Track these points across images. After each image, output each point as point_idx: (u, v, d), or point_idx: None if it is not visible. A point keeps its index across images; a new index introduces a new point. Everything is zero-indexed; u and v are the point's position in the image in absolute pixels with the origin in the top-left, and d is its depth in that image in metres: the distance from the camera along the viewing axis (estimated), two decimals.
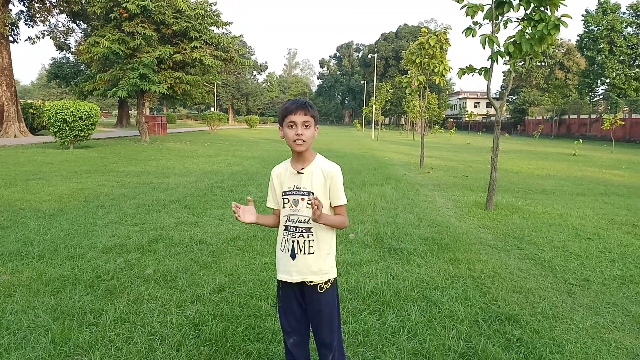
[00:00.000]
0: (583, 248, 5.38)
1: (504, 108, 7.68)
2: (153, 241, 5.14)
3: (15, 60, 24.32)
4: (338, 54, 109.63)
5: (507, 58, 7.42)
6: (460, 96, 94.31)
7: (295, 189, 2.21)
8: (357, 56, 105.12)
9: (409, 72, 16.07)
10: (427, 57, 13.31)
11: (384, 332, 3.13)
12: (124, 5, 19.69)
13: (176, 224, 5.99)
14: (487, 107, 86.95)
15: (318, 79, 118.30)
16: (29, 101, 30.94)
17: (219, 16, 24.52)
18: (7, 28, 23.77)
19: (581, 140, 27.75)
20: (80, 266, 4.25)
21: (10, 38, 24.84)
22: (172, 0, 21.74)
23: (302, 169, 2.21)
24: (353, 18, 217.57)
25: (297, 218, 2.20)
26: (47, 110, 16.95)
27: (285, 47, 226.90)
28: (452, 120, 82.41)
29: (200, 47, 22.66)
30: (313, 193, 2.18)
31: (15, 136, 23.88)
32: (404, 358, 2.81)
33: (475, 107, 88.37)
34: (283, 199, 2.24)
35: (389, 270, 4.37)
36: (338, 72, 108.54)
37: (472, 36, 7.42)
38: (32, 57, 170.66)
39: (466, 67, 7.81)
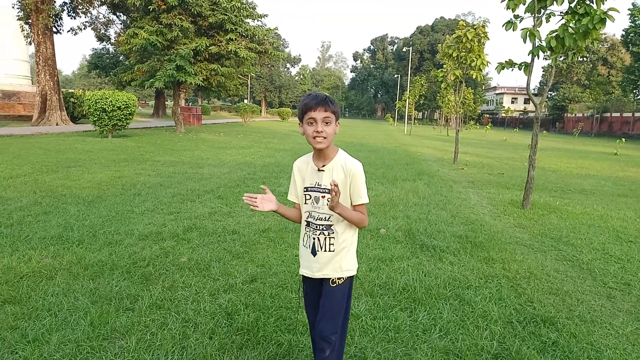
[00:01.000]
0: (624, 251, 5.19)
1: (543, 104, 7.42)
2: (187, 230, 5.24)
3: (58, 50, 25.37)
4: (372, 47, 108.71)
5: (549, 53, 7.21)
6: (497, 91, 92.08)
7: (316, 186, 2.18)
8: (392, 49, 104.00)
9: (444, 66, 15.80)
10: (464, 50, 13.04)
11: (415, 329, 3.10)
12: None
13: (210, 214, 6.09)
14: (524, 103, 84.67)
15: (351, 72, 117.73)
16: (70, 90, 31.94)
17: (255, 8, 24.69)
18: (51, 19, 24.54)
19: (624, 139, 26.66)
20: (117, 252, 4.37)
21: (54, 29, 25.65)
22: None
23: (323, 166, 2.16)
24: (388, 11, 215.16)
25: (318, 215, 2.18)
26: (87, 99, 17.46)
27: (319, 40, 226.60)
28: (487, 116, 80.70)
29: (235, 39, 22.85)
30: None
31: (57, 124, 24.72)
32: (435, 356, 2.78)
33: (512, 102, 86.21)
34: (305, 194, 2.22)
35: (420, 267, 4.32)
36: (372, 66, 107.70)
37: (513, 30, 7.23)
38: (74, 48, 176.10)
39: (505, 61, 7.62)
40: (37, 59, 24.82)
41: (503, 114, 70.85)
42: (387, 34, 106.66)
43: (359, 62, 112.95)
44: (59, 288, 3.51)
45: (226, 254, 4.49)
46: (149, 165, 10.62)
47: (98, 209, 6.03)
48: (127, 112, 17.71)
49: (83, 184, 7.76)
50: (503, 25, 7.33)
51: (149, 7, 20.99)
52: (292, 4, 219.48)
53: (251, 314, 3.19)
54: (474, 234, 5.59)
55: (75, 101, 27.87)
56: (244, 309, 3.27)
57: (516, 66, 7.58)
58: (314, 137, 2.08)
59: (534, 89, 72.29)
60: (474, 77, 13.39)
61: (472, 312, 3.40)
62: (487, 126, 37.06)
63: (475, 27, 13.07)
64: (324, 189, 2.15)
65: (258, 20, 25.31)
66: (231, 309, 3.27)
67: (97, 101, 16.95)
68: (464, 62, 13.21)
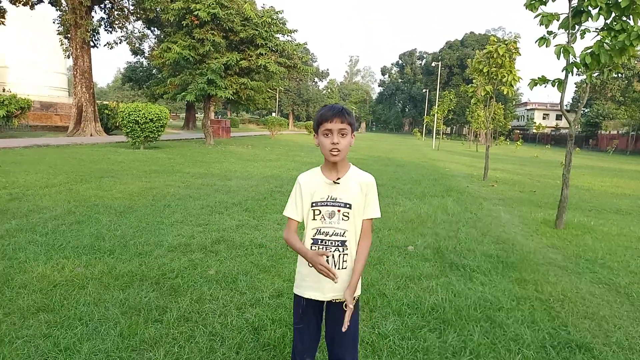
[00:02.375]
0: None
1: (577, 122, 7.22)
2: (215, 242, 5.28)
3: (94, 63, 26.17)
4: (400, 62, 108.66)
5: (583, 69, 7.05)
6: (528, 107, 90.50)
7: (329, 200, 2.09)
8: (420, 64, 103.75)
9: (474, 81, 15.65)
10: (495, 66, 12.89)
11: (444, 351, 3.03)
12: (195, 13, 20.52)
13: (237, 227, 6.13)
14: (556, 119, 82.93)
15: (379, 86, 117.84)
16: (104, 102, 32.93)
17: (285, 24, 25.00)
18: (89, 34, 25.45)
19: None
20: (147, 263, 4.44)
21: (91, 43, 26.56)
22: (240, 8, 22.42)
23: (338, 178, 2.10)
24: (417, 26, 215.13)
25: (333, 231, 2.08)
26: (121, 111, 17.95)
27: (347, 55, 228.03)
28: (518, 131, 79.29)
29: (265, 53, 23.19)
30: (351, 205, 2.08)
31: (91, 135, 25.45)
32: None
33: (544, 118, 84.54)
34: (313, 210, 2.11)
35: (450, 286, 4.23)
36: (399, 80, 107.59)
37: (546, 46, 7.11)
38: (109, 61, 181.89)
39: (538, 78, 7.48)
40: (75, 72, 25.71)
41: (534, 130, 69.46)
42: (415, 49, 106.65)
43: (386, 76, 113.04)
44: (91, 297, 3.58)
45: (253, 267, 4.50)
46: (179, 176, 10.80)
47: (129, 220, 6.15)
48: (159, 124, 18.12)
49: (115, 194, 7.94)
50: (536, 42, 7.22)
51: (182, 23, 21.54)
52: (322, 19, 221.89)
53: (277, 330, 3.17)
54: (506, 253, 5.45)
55: (109, 113, 28.68)
56: (270, 324, 3.26)
57: (549, 82, 7.44)
58: (330, 150, 2.03)
59: (566, 105, 70.62)
60: (504, 92, 13.20)
61: (504, 335, 3.30)
62: (518, 142, 36.38)
63: (506, 42, 12.93)
64: (339, 202, 2.08)
65: (288, 36, 25.66)
66: (258, 323, 3.27)
67: (131, 113, 17.40)
68: (494, 77, 13.05)
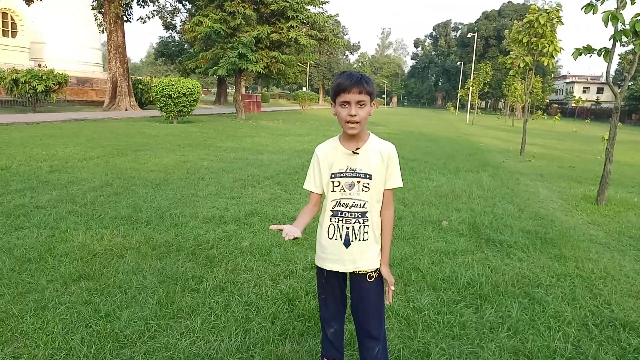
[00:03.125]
0: None
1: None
2: (249, 215, 5.31)
3: (128, 39, 26.52)
4: (434, 34, 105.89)
5: (632, 38, 6.66)
6: (567, 80, 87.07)
7: (349, 171, 2.01)
8: (455, 35, 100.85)
9: (511, 52, 15.08)
10: (535, 36, 12.36)
11: (481, 326, 2.97)
12: None
13: (270, 200, 6.15)
14: (597, 92, 79.61)
15: (411, 59, 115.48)
16: (138, 77, 33.41)
17: None
18: (122, 8, 25.66)
19: None
20: (183, 234, 4.50)
21: (125, 18, 26.81)
22: None
23: (358, 148, 2.01)
24: None
25: (353, 202, 2.01)
26: (154, 86, 18.19)
27: (379, 27, 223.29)
28: (556, 105, 76.59)
29: (296, 26, 22.92)
30: (371, 176, 2.00)
31: (126, 109, 25.94)
32: (503, 356, 2.64)
33: (584, 92, 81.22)
34: (332, 181, 2.03)
35: (486, 262, 4.14)
36: (433, 53, 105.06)
37: (593, 13, 6.74)
38: (142, 37, 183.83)
39: (583, 47, 7.11)
40: (109, 47, 26.09)
41: (573, 104, 66.87)
42: (450, 20, 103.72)
43: (419, 49, 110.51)
44: (129, 266, 3.66)
45: (286, 240, 4.50)
46: (212, 150, 10.90)
47: (165, 192, 6.25)
48: (192, 99, 18.29)
49: (150, 167, 8.08)
50: (582, 8, 6.85)
51: None
52: None
53: (312, 301, 3.17)
54: (544, 229, 5.29)
55: (143, 87, 29.11)
56: (304, 295, 3.27)
57: (595, 52, 7.07)
58: (347, 122, 1.94)
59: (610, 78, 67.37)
60: (545, 64, 12.68)
61: (543, 312, 3.21)
62: (556, 116, 35.06)
63: (548, 11, 12.34)
64: (359, 173, 2.01)
65: (319, 7, 25.25)
66: (292, 294, 3.28)
67: (164, 88, 17.60)
68: (534, 48, 12.53)
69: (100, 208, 5.28)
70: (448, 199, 6.74)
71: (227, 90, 53.61)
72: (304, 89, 64.20)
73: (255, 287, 3.39)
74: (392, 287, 2.09)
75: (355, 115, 1.92)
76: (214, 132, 15.73)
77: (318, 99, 63.09)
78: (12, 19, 45.20)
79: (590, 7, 6.74)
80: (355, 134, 1.99)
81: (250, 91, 65.20)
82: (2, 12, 43.91)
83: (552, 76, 76.35)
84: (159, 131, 14.94)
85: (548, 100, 68.54)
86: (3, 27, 45.08)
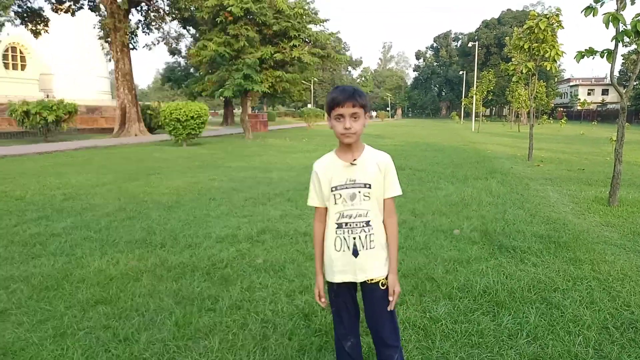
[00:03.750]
0: None
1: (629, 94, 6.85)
2: (261, 232, 5.35)
3: (135, 66, 27.09)
4: (435, 45, 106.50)
5: (634, 38, 6.67)
6: (571, 83, 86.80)
7: (348, 182, 2.07)
8: (456, 45, 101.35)
9: (513, 59, 15.12)
10: (536, 41, 12.40)
11: (499, 334, 2.95)
12: (228, 9, 20.74)
13: (281, 216, 6.18)
14: (602, 94, 79.22)
15: (414, 71, 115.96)
16: (146, 103, 33.87)
17: (317, 14, 24.92)
18: (128, 37, 26.16)
19: None
20: (197, 254, 4.54)
21: (130, 45, 27.31)
22: (272, 1, 22.48)
23: (355, 159, 2.08)
24: (451, 6, 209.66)
25: (357, 212, 2.07)
26: (163, 110, 18.44)
27: (380, 41, 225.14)
28: (561, 109, 76.30)
29: (299, 45, 23.21)
30: (370, 185, 2.06)
31: (135, 135, 26.25)
32: None
33: (588, 94, 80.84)
34: (334, 194, 2.08)
35: (500, 268, 4.13)
36: (435, 63, 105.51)
37: (593, 15, 6.76)
38: (149, 63, 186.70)
39: (585, 49, 7.13)
40: (116, 75, 26.53)
41: (579, 107, 66.52)
42: (450, 30, 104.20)
43: (421, 60, 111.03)
44: (145, 289, 3.69)
45: (299, 255, 4.53)
46: (222, 170, 10.99)
47: (177, 214, 6.31)
48: (200, 122, 18.50)
49: (162, 190, 8.17)
50: (582, 11, 6.89)
51: (216, 20, 21.83)
52: (352, 8, 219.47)
53: (328, 316, 3.17)
54: (557, 233, 5.26)
55: (152, 113, 29.48)
56: (320, 310, 3.27)
57: (597, 54, 7.09)
58: (342, 134, 2.02)
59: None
60: (547, 68, 12.69)
61: (562, 316, 3.19)
62: (562, 120, 34.90)
63: (548, 16, 12.40)
64: (359, 183, 2.06)
65: (320, 25, 25.57)
66: (308, 310, 3.29)
67: (172, 112, 17.84)
68: (536, 53, 12.56)
69: (115, 233, 5.34)
70: (458, 208, 6.73)
71: (234, 111, 54.13)
72: (309, 105, 64.65)
73: (271, 304, 3.41)
74: (391, 297, 2.12)
75: (350, 127, 1.99)
76: (223, 153, 15.86)
77: (323, 115, 63.42)
78: (20, 52, 46.17)
79: (590, 10, 6.78)
80: (351, 145, 2.07)
81: (257, 111, 65.75)
82: (11, 46, 44.90)
83: (556, 80, 76.20)
84: (169, 154, 15.10)
85: (553, 105, 68.37)
86: (12, 60, 46.03)
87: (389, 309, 2.12)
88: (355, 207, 2.07)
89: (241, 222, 5.86)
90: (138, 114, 27.09)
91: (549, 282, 3.81)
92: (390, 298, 2.11)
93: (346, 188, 2.07)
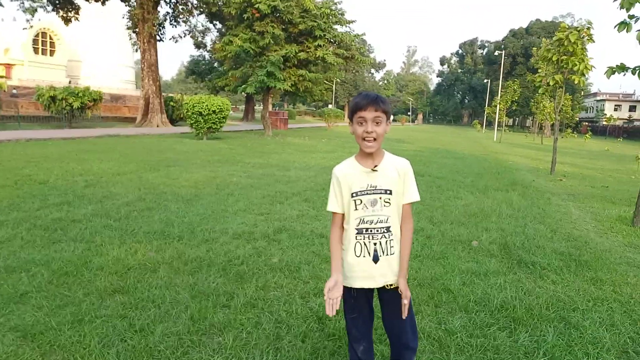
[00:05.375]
0: None
1: None
2: (277, 231, 5.35)
3: (160, 57, 27.38)
4: (460, 51, 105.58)
5: None
6: (598, 97, 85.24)
7: (369, 188, 2.09)
8: (482, 53, 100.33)
9: (539, 70, 14.90)
10: (565, 54, 12.20)
11: (516, 351, 2.91)
12: (256, 5, 20.84)
13: (298, 216, 6.18)
14: (630, 110, 77.68)
15: (437, 76, 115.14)
16: (169, 95, 34.26)
17: (343, 14, 24.87)
18: (155, 28, 26.49)
19: None
20: (214, 249, 4.57)
21: (157, 37, 27.64)
22: (300, 0, 22.51)
23: (376, 166, 2.10)
24: (478, 14, 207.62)
25: (378, 218, 2.09)
26: (185, 103, 18.62)
27: (404, 45, 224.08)
28: (586, 123, 74.94)
29: (323, 45, 23.21)
30: (391, 191, 2.09)
31: (157, 126, 26.57)
32: None
33: (615, 110, 79.29)
34: (354, 200, 2.11)
35: (519, 284, 4.06)
36: (459, 70, 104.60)
37: (627, 31, 6.63)
38: (174, 55, 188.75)
39: (617, 65, 7.00)
40: (142, 65, 26.90)
41: (605, 122, 65.28)
42: (477, 38, 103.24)
43: (445, 66, 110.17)
44: (162, 281, 3.73)
45: (315, 257, 4.52)
46: (241, 166, 11.05)
47: (195, 207, 6.36)
48: (221, 116, 18.65)
49: (182, 183, 8.24)
50: (615, 27, 6.75)
51: (243, 16, 21.95)
52: (379, 9, 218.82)
53: (341, 321, 3.16)
54: (578, 251, 5.16)
55: (174, 105, 29.82)
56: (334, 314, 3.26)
57: (629, 70, 6.95)
58: (364, 138, 2.04)
59: (635, 95, 66.12)
60: (575, 82, 12.49)
61: (580, 337, 3.12)
62: (587, 135, 34.32)
63: (579, 29, 12.19)
64: (380, 189, 2.09)
65: (346, 26, 25.52)
66: (322, 313, 3.27)
67: (195, 105, 18.01)
68: (564, 66, 12.36)
69: (134, 223, 5.41)
70: (477, 218, 6.65)
71: (255, 107, 54.40)
72: (329, 106, 64.63)
73: (286, 305, 3.41)
74: (406, 301, 2.12)
75: (371, 132, 2.03)
76: (242, 149, 15.95)
77: (343, 115, 63.38)
78: (50, 38, 47.11)
79: (623, 26, 6.64)
80: (372, 152, 2.08)
81: (277, 108, 65.98)
82: (42, 32, 45.86)
83: (582, 94, 74.91)
84: (190, 147, 15.24)
85: (578, 118, 67.18)
86: (42, 45, 46.99)
87: (403, 316, 2.13)
88: (376, 213, 2.09)
89: (258, 219, 5.88)
90: (161, 105, 27.42)
91: (569, 301, 3.74)
92: (405, 301, 2.10)
93: (367, 194, 2.09)
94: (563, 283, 4.16)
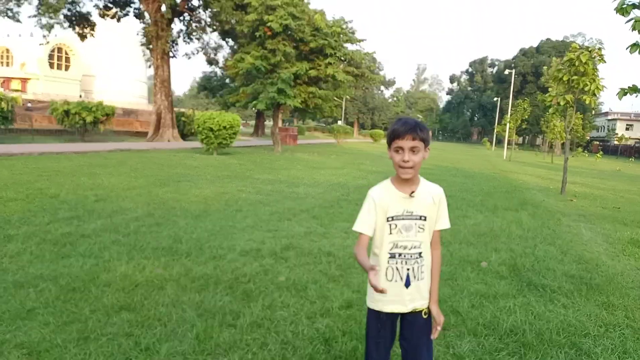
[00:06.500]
0: None
1: None
2: (285, 249, 5.34)
3: (172, 73, 27.87)
4: (470, 69, 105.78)
5: None
6: (609, 117, 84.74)
7: (405, 214, 2.10)
8: (492, 72, 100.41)
9: (549, 89, 14.88)
10: (576, 74, 12.18)
11: None
12: (268, 24, 21.13)
13: (305, 234, 6.17)
14: None
15: (447, 94, 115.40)
16: (181, 110, 34.64)
17: (354, 33, 25.11)
18: (169, 45, 26.90)
19: None
20: (221, 267, 4.56)
21: (171, 54, 28.06)
22: (311, 19, 22.80)
23: (413, 192, 2.10)
24: (488, 32, 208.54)
25: (412, 244, 2.11)
26: (197, 119, 18.82)
27: (414, 63, 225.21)
28: (597, 143, 74.40)
29: (334, 63, 23.41)
30: (426, 217, 2.12)
31: (168, 140, 26.81)
32: None
33: (627, 129, 78.71)
34: (389, 224, 2.10)
35: (529, 307, 4.00)
36: (469, 88, 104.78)
37: (639, 53, 6.61)
38: (186, 71, 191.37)
39: (629, 87, 6.97)
40: (155, 81, 27.27)
41: (616, 142, 64.79)
42: (487, 56, 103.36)
43: (455, 84, 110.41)
44: (169, 299, 3.72)
45: (322, 276, 4.50)
46: (250, 182, 11.09)
47: (204, 223, 6.38)
48: (232, 132, 18.80)
49: (191, 198, 8.28)
50: (627, 48, 6.73)
51: (255, 34, 22.25)
52: (389, 28, 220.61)
53: (349, 343, 3.13)
54: (589, 274, 5.08)
55: (186, 119, 30.12)
56: (341, 336, 3.23)
57: None
58: (400, 167, 2.04)
59: None
60: (587, 102, 12.45)
61: None
62: (598, 154, 34.06)
63: (590, 49, 12.19)
64: (416, 215, 2.11)
65: (356, 44, 25.75)
66: (329, 334, 3.25)
67: (206, 121, 18.19)
68: (575, 86, 12.33)
69: (142, 238, 5.42)
70: (486, 238, 6.59)
71: (265, 122, 54.77)
72: (339, 122, 64.85)
73: (292, 325, 3.38)
74: (439, 327, 2.19)
75: (408, 161, 2.01)
76: (252, 164, 16.02)
77: (352, 132, 63.53)
78: (66, 53, 48.01)
79: (636, 47, 6.61)
80: (409, 179, 2.08)
81: (287, 124, 66.37)
82: (58, 47, 46.75)
83: (593, 113, 74.55)
84: (200, 162, 15.33)
85: (589, 137, 66.75)
86: (57, 60, 47.87)
87: (432, 337, 2.20)
88: (410, 239, 2.12)
89: (266, 236, 5.88)
90: (173, 121, 27.70)
91: (580, 326, 3.67)
92: (438, 327, 2.18)
93: (403, 219, 2.11)
94: (574, 307, 4.09)
